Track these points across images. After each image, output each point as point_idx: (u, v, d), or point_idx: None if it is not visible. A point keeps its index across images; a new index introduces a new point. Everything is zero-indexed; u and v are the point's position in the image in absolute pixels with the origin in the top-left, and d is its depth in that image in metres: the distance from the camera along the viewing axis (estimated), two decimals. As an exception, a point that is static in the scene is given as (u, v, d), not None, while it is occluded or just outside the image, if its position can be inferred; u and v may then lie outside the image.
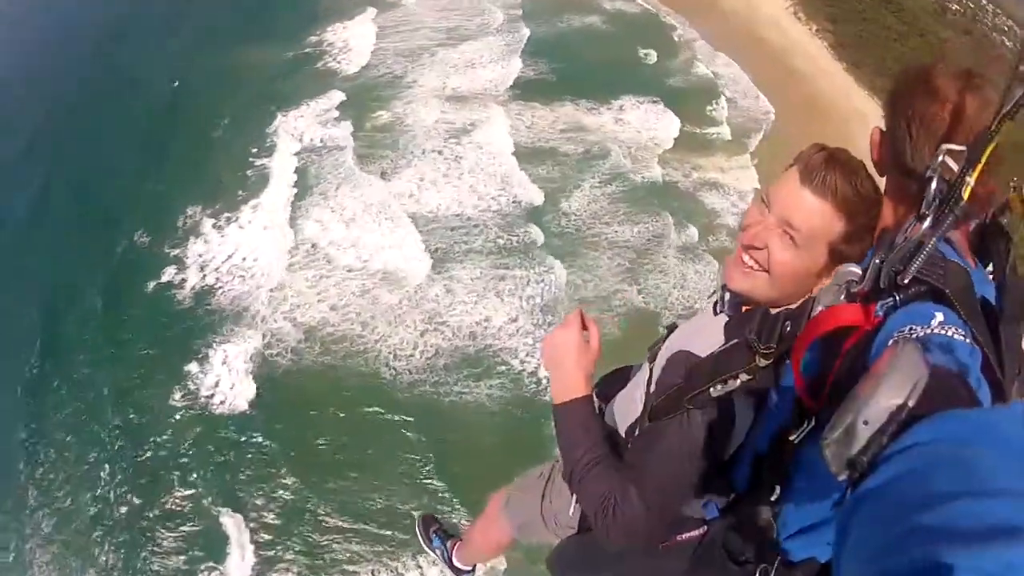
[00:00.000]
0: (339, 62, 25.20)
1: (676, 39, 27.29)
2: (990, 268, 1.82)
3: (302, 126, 22.22)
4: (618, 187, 20.99)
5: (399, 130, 22.15)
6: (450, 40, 26.34)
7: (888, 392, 1.01)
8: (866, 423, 1.00)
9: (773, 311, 1.96)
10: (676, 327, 2.46)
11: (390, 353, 16.60)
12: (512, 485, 3.43)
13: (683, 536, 2.19)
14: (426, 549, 4.25)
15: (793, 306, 2.02)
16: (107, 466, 14.63)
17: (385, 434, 14.99)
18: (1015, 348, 1.59)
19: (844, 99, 24.04)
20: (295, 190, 20.21)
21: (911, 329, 1.39)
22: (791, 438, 1.64)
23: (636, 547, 2.15)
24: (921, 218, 1.44)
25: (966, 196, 1.38)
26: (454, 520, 12.27)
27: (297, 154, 21.33)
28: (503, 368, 16.41)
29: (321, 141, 21.75)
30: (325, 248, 18.72)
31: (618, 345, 16.50)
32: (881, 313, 1.49)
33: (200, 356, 16.10)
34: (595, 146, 22.19)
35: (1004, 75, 1.31)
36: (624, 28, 27.53)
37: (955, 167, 1.44)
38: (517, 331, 17.06)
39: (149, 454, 14.75)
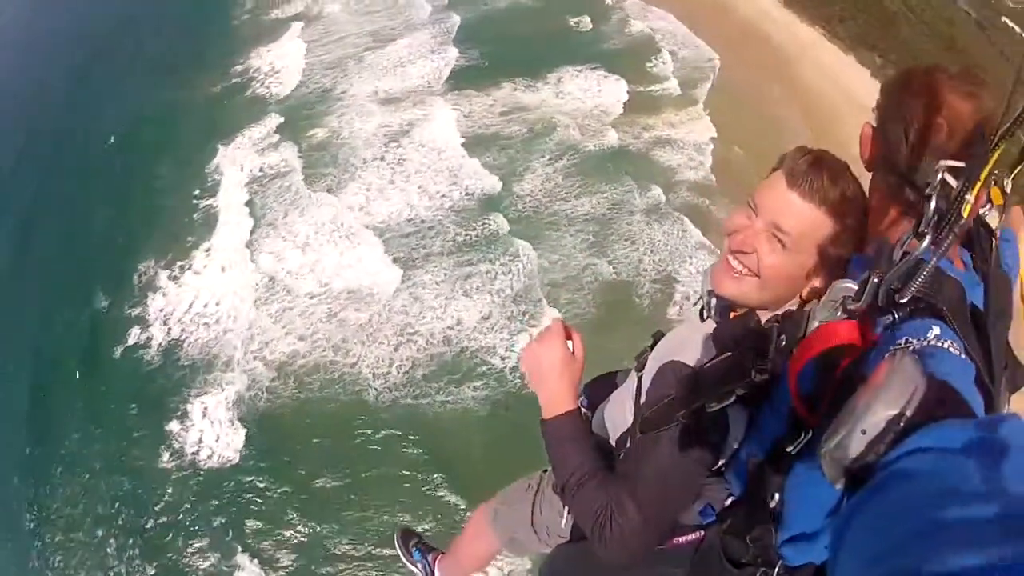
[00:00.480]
0: (269, 86, 24.46)
1: (607, 1, 26.75)
2: (972, 263, 1.81)
3: (242, 158, 21.50)
4: (570, 160, 20.42)
5: (338, 144, 21.43)
6: (377, 43, 25.60)
7: (886, 402, 1.02)
8: (864, 432, 1.01)
9: (765, 322, 1.97)
10: (663, 335, 2.41)
11: (368, 374, 16.03)
12: (498, 499, 3.34)
13: (680, 540, 2.19)
14: (407, 564, 4.16)
15: (781, 311, 2.02)
16: (113, 541, 14.34)
17: (377, 455, 14.65)
18: (1001, 345, 1.63)
19: (788, 35, 23.74)
20: (244, 225, 19.55)
21: (907, 341, 1.39)
22: (788, 449, 1.62)
23: (634, 560, 2.04)
24: (920, 235, 1.39)
25: (966, 214, 1.35)
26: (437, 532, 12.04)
27: (241, 187, 20.64)
28: (483, 368, 15.87)
29: (262, 170, 21.06)
30: (283, 279, 18.06)
31: (598, 324, 16.03)
32: (879, 331, 1.47)
33: (179, 413, 15.72)
34: (539, 124, 21.59)
35: (1004, 81, 1.34)
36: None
37: (954, 183, 1.40)
38: (491, 328, 16.49)
39: (152, 522, 14.45)
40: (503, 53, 24.03)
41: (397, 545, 4.23)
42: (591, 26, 25.42)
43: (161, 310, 17.83)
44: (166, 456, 15.14)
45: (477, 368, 15.88)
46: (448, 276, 17.56)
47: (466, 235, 18.47)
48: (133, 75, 25.02)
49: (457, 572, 3.95)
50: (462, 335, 16.43)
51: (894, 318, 1.46)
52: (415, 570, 4.09)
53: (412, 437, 14.83)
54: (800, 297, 2.05)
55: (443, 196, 19.50)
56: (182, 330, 17.36)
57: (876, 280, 1.47)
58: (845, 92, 22.50)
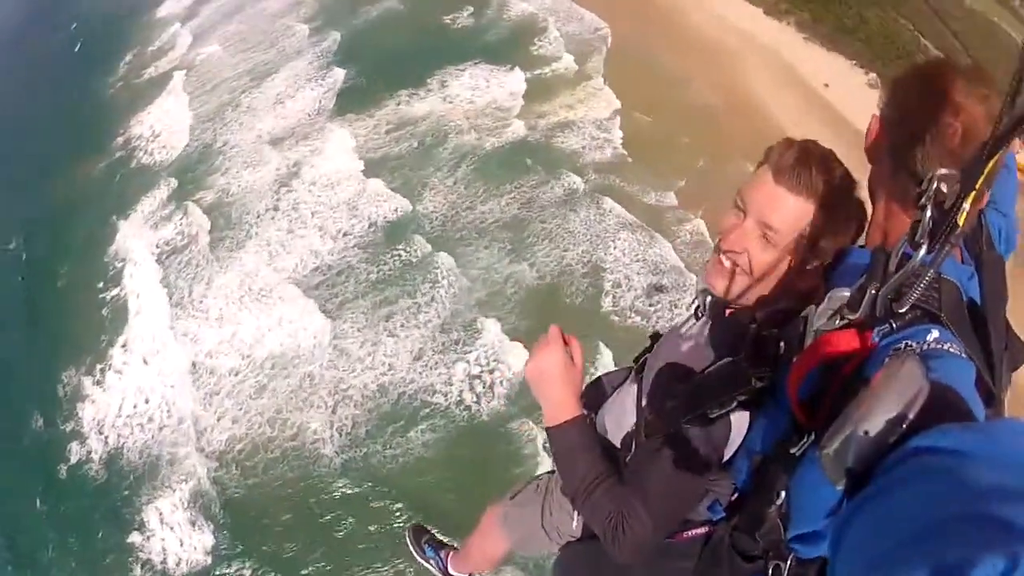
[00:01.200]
0: (152, 153, 23.13)
1: None
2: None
3: (138, 238, 20.27)
4: (470, 166, 19.28)
5: (229, 203, 20.14)
6: (253, 82, 24.25)
7: (889, 404, 1.02)
8: (866, 433, 1.01)
9: (762, 322, 1.91)
10: (660, 336, 2.44)
11: (311, 444, 15.04)
12: (507, 500, 3.31)
13: (688, 534, 2.18)
14: (419, 560, 4.19)
15: (779, 306, 1.98)
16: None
17: (342, 517, 14.04)
18: (1000, 331, 1.68)
19: None
20: (154, 311, 18.42)
21: (907, 345, 1.40)
22: (791, 451, 1.60)
23: (648, 557, 2.06)
24: (916, 245, 1.35)
25: (962, 223, 1.32)
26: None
27: (142, 271, 19.47)
28: (426, 410, 14.94)
29: (159, 247, 19.83)
30: (204, 362, 16.95)
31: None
32: (877, 339, 1.46)
33: (137, 524, 14.91)
34: (429, 135, 20.37)
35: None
36: (421, 0, 25.76)
37: (947, 190, 1.35)
38: (426, 366, 15.49)
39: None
40: (382, 67, 22.77)
41: (409, 543, 4.26)
42: (469, 20, 24.28)
43: (94, 419, 17.00)
44: (138, 571, 14.50)
45: (420, 412, 15.02)
46: (369, 320, 16.47)
47: (378, 271, 17.33)
48: (17, 178, 23.65)
49: (468, 568, 4.00)
50: (397, 380, 15.47)
51: (891, 327, 1.45)
52: (428, 566, 4.13)
53: (372, 497, 14.23)
54: (797, 288, 2.00)
55: (345, 234, 18.33)
56: (118, 436, 16.57)
57: (873, 292, 1.46)
58: (739, 34, 21.76)
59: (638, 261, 16.57)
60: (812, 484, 1.55)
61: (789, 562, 1.80)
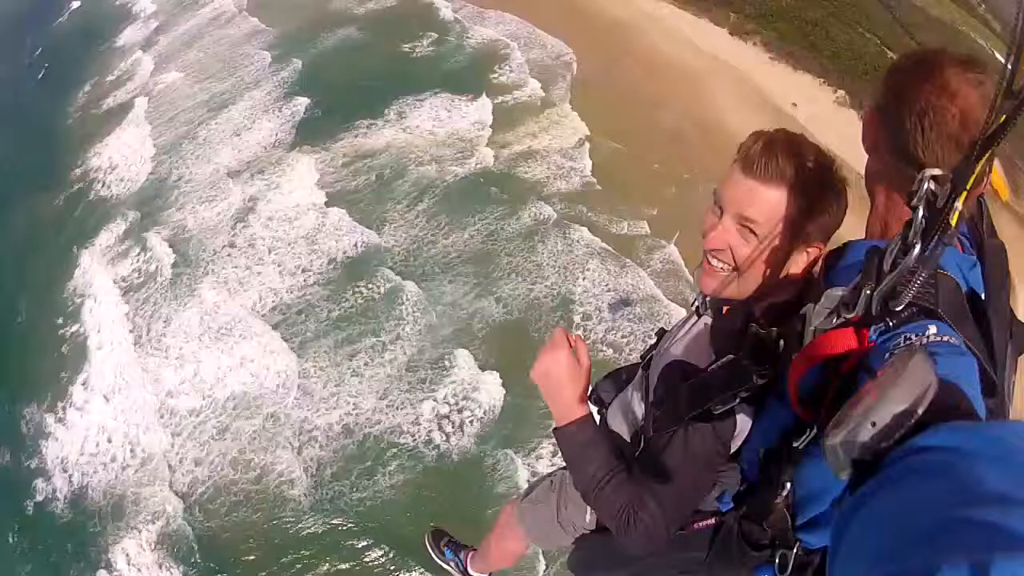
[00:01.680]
0: (110, 186, 22.56)
1: (441, 18, 25.27)
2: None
3: (96, 274, 19.71)
4: (431, 200, 18.96)
5: (186, 239, 19.66)
6: (211, 113, 23.76)
7: (898, 397, 1.02)
8: (874, 424, 1.00)
9: (761, 317, 1.99)
10: (664, 332, 2.50)
11: (275, 486, 14.60)
12: (522, 498, 3.38)
13: (698, 525, 2.23)
14: (438, 562, 4.26)
15: (777, 299, 2.05)
16: None
17: (311, 561, 13.69)
18: (1005, 319, 1.71)
19: (634, 10, 22.81)
20: (113, 349, 17.90)
21: (907, 339, 1.43)
22: (795, 444, 1.66)
23: (660, 548, 2.10)
24: (909, 244, 1.38)
25: (954, 222, 1.37)
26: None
27: (101, 307, 18.97)
28: (393, 451, 14.57)
29: (117, 284, 19.31)
30: (165, 401, 16.42)
31: (503, 372, 14.90)
32: (875, 337, 1.49)
33: (105, 564, 14.48)
34: (388, 168, 19.99)
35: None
36: (383, 27, 25.35)
37: (938, 190, 1.41)
38: (391, 406, 15.13)
39: None
40: (340, 97, 22.44)
41: (428, 546, 4.30)
42: (429, 49, 24.01)
43: (58, 456, 16.58)
44: (107, 615, 14.00)
45: (387, 452, 14.66)
46: (332, 359, 16.08)
47: (340, 309, 16.95)
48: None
49: (488, 567, 4.04)
50: (363, 420, 15.10)
51: (888, 325, 1.47)
52: (448, 568, 4.19)
53: (344, 543, 13.86)
54: (790, 276, 2.03)
55: (304, 271, 17.91)
56: (82, 475, 16.10)
57: (868, 292, 1.46)
58: (706, 56, 21.68)
59: (609, 291, 16.39)
60: (815, 475, 1.64)
61: (796, 551, 1.84)
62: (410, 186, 19.42)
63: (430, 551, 4.34)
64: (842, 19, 22.79)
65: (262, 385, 16.19)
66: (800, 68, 21.81)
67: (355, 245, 18.22)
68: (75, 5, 32.81)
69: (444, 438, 14.64)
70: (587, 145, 20.06)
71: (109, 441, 16.49)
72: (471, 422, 14.73)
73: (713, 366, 2.02)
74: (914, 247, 1.37)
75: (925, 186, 1.41)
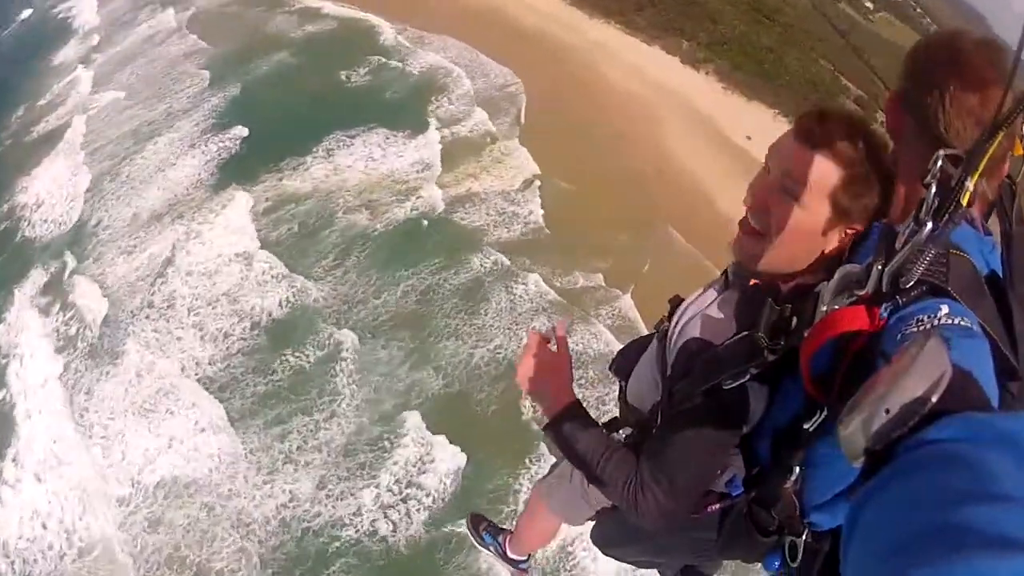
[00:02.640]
0: (34, 226, 21.06)
1: (382, 42, 23.53)
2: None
3: (20, 335, 18.34)
4: (361, 252, 17.40)
5: (106, 295, 18.14)
6: (137, 146, 21.99)
7: (913, 384, 1.01)
8: (887, 411, 1.00)
9: (781, 296, 1.92)
10: (680, 300, 2.34)
11: (216, 588, 13.72)
12: (547, 475, 3.35)
13: (713, 508, 2.18)
14: (478, 547, 4.31)
15: (801, 280, 1.99)
16: None
17: None
18: None
19: (581, 37, 21.62)
20: (38, 421, 16.66)
21: (919, 321, 1.39)
22: (805, 426, 1.64)
23: (672, 525, 2.08)
24: (920, 223, 1.36)
25: (965, 201, 1.34)
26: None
27: (26, 372, 17.62)
28: (336, 545, 13.36)
29: (42, 342, 18.02)
30: (95, 487, 15.30)
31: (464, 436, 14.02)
32: (886, 315, 1.45)
33: None
34: (314, 215, 18.32)
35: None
36: (321, 52, 23.57)
37: (951, 170, 1.38)
38: (330, 496, 13.87)
39: None
40: (269, 132, 20.62)
41: (468, 531, 4.38)
42: (366, 77, 22.22)
43: None
44: None
45: (329, 548, 13.41)
46: (262, 442, 14.65)
47: (267, 383, 15.43)
48: None
49: (526, 548, 4.08)
50: (299, 513, 13.80)
51: (898, 303, 1.44)
52: (488, 552, 4.25)
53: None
54: (821, 255, 1.95)
55: (226, 335, 16.38)
56: (24, 561, 15.06)
57: (879, 268, 1.46)
58: (658, 87, 20.42)
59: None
60: (826, 459, 1.66)
61: (804, 537, 1.84)
62: (338, 236, 17.81)
63: (471, 536, 4.39)
64: (795, 44, 22.46)
65: (194, 470, 14.89)
66: (754, 98, 21.39)
67: (280, 305, 16.71)
68: (24, 15, 31.31)
69: (391, 528, 13.49)
70: (536, 185, 18.73)
71: (44, 528, 15.31)
72: (418, 509, 13.53)
73: (728, 341, 1.93)
74: (925, 225, 1.35)
75: (938, 165, 1.40)
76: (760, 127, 19.76)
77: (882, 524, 0.85)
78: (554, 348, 2.40)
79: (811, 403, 1.63)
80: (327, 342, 15.93)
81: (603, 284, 16.52)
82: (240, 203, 19.07)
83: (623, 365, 2.72)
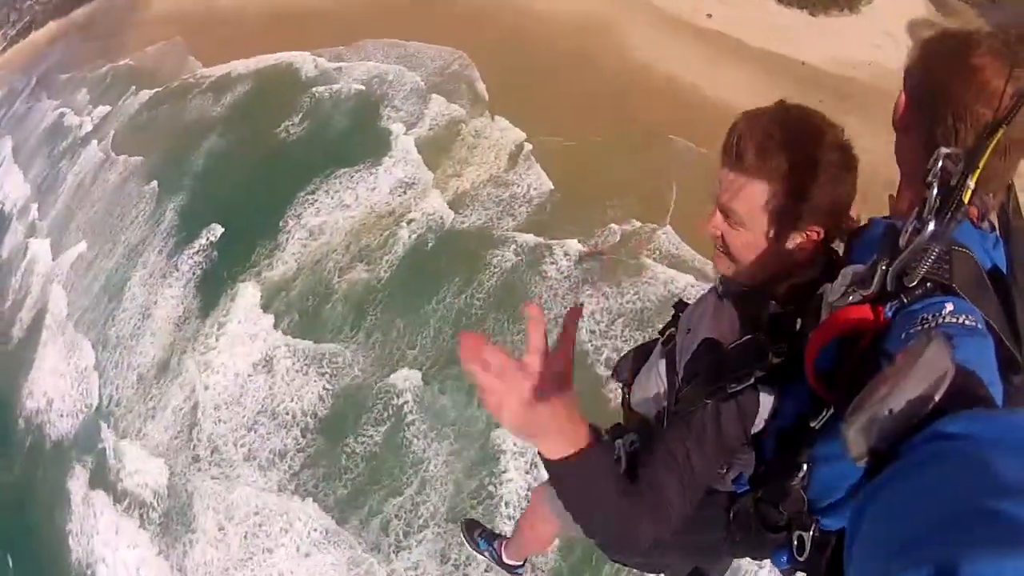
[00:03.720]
0: (55, 425, 19.72)
1: (304, 77, 21.92)
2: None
3: (93, 546, 16.76)
4: (376, 309, 15.72)
5: (150, 476, 16.88)
6: (113, 302, 20.73)
7: (915, 384, 1.03)
8: (890, 412, 1.02)
9: (783, 297, 1.99)
10: (685, 306, 2.49)
11: None
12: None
13: (715, 507, 2.21)
14: (474, 553, 4.31)
15: (800, 279, 2.03)
16: None
17: None
18: None
19: None
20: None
21: (923, 319, 1.43)
22: (811, 424, 1.69)
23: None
24: (923, 221, 1.42)
25: (967, 200, 1.40)
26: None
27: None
28: None
29: (107, 556, 16.57)
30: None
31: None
32: (890, 314, 1.51)
33: None
34: (309, 295, 16.76)
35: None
36: (247, 118, 21.90)
37: (952, 169, 1.44)
38: (455, 566, 12.47)
39: None
40: (229, 229, 19.09)
41: (463, 536, 4.43)
42: (301, 127, 20.51)
43: None
44: None
45: None
46: (369, 541, 13.35)
47: (343, 484, 14.05)
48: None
49: (523, 553, 4.04)
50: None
51: (903, 302, 1.49)
52: (484, 557, 4.23)
53: None
54: (797, 259, 2.01)
55: (282, 455, 14.95)
56: None
57: (884, 268, 1.50)
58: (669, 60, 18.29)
59: (619, 317, 13.63)
60: (832, 457, 1.68)
61: (812, 532, 1.86)
62: (344, 303, 16.19)
63: (466, 541, 4.36)
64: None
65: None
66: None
67: (320, 399, 15.19)
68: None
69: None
70: (528, 150, 17.06)
71: None
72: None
73: (733, 345, 1.95)
74: (928, 224, 1.39)
75: (939, 164, 1.42)
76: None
77: (885, 523, 0.84)
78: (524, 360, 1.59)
79: (817, 401, 1.66)
80: (384, 414, 14.39)
81: (638, 223, 14.87)
82: (235, 314, 17.59)
83: (626, 372, 2.72)
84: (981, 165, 1.35)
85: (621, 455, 2.22)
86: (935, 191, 1.39)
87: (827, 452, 1.68)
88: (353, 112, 20.10)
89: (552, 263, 14.87)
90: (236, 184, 20.20)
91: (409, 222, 16.82)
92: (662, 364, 2.35)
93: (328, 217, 17.86)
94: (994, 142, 1.33)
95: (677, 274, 13.92)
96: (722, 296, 2.19)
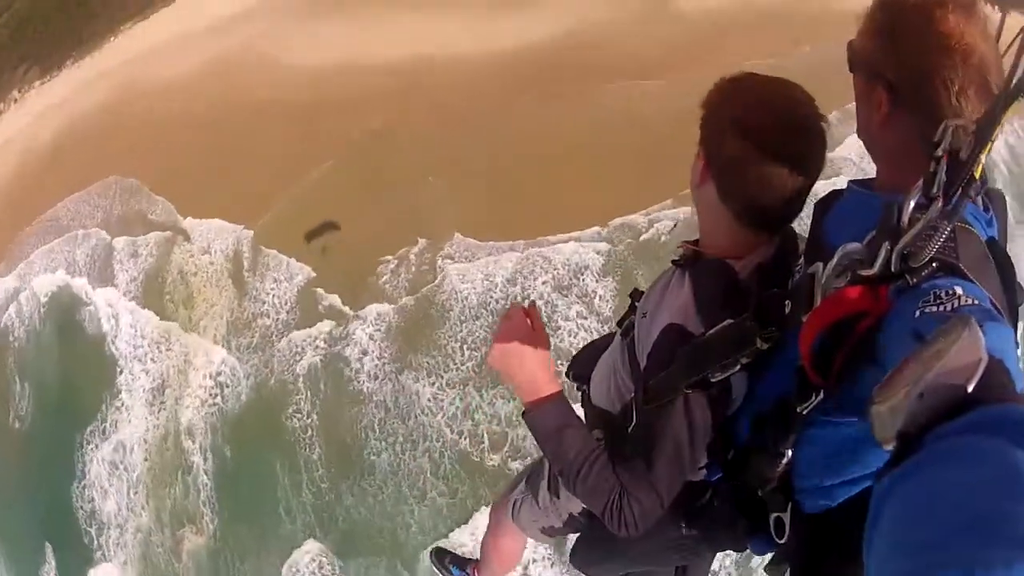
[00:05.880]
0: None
1: None
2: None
3: None
4: None
5: None
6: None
7: (949, 370, 0.98)
8: (921, 396, 0.97)
9: (751, 277, 1.98)
10: (641, 294, 2.36)
11: None
12: (509, 491, 3.18)
13: (690, 499, 2.17)
14: None
15: (766, 258, 2.03)
16: None
17: None
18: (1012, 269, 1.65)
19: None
20: None
21: (936, 298, 1.32)
22: (799, 409, 1.63)
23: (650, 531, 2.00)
24: (931, 198, 1.38)
25: (978, 175, 1.37)
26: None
27: None
28: None
29: None
30: None
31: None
32: (893, 296, 1.43)
33: None
34: None
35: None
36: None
37: (962, 141, 1.40)
38: None
39: None
40: None
41: (434, 564, 4.26)
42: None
43: None
44: None
45: None
46: None
47: None
48: None
49: (496, 574, 3.91)
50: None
51: (908, 282, 1.41)
52: None
53: None
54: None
55: None
56: None
57: (888, 246, 1.42)
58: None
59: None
60: (825, 440, 1.65)
61: (791, 514, 1.80)
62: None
63: (437, 570, 4.24)
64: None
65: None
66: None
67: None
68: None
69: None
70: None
71: None
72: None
73: (713, 330, 1.84)
74: (936, 200, 1.34)
75: (949, 137, 1.38)
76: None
77: (909, 516, 0.82)
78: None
79: (804, 386, 1.58)
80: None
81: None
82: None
83: (582, 370, 2.64)
84: (993, 139, 1.30)
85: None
86: (944, 166, 1.33)
87: (816, 436, 1.64)
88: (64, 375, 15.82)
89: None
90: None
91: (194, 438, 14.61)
92: (623, 356, 2.28)
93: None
94: (1007, 116, 1.26)
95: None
96: (684, 268, 2.09)
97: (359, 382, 14.19)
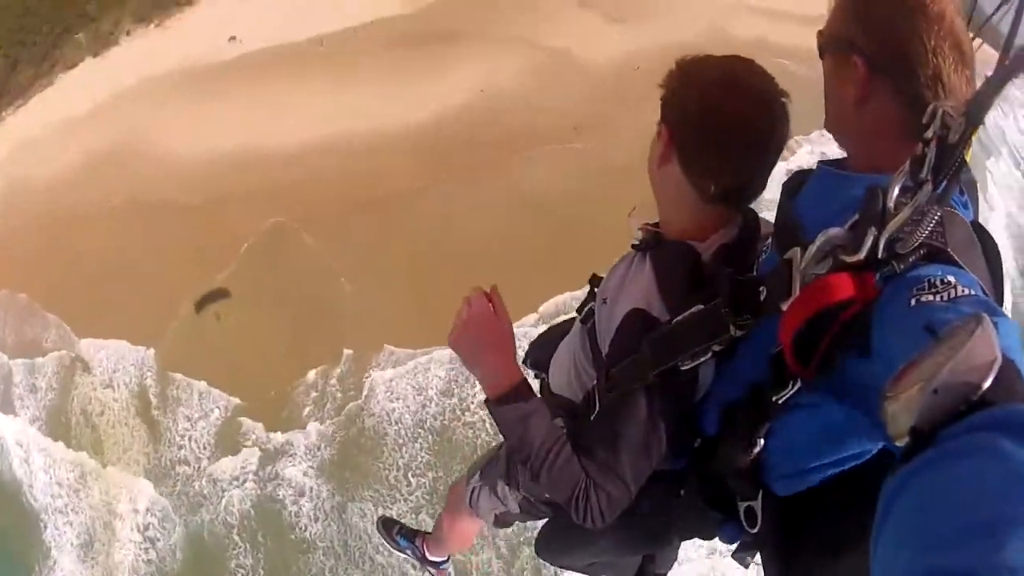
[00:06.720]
0: None
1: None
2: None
3: None
4: None
5: None
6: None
7: (964, 367, 0.95)
8: (935, 393, 0.95)
9: (711, 259, 1.92)
10: (600, 280, 2.28)
11: None
12: (470, 476, 3.05)
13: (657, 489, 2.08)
14: (394, 552, 4.14)
15: (729, 239, 1.98)
16: None
17: None
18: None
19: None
20: None
21: (932, 288, 1.27)
22: (775, 399, 1.56)
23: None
24: (919, 182, 1.29)
25: (968, 158, 1.33)
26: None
27: None
28: None
29: None
30: None
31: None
32: (881, 284, 1.36)
33: None
34: None
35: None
36: None
37: (952, 124, 1.31)
38: None
39: None
40: None
41: (381, 535, 4.25)
42: None
43: None
44: None
45: None
46: None
47: None
48: None
49: (446, 550, 3.91)
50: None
51: (895, 269, 1.35)
52: (405, 555, 4.10)
53: None
54: (700, 218, 1.94)
55: None
56: None
57: (875, 231, 1.34)
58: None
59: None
60: (799, 426, 1.57)
61: (761, 501, 1.74)
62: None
63: (384, 540, 4.18)
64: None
65: None
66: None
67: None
68: None
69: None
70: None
71: None
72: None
73: (682, 316, 1.77)
74: (925, 184, 1.29)
75: (938, 119, 1.31)
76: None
77: (919, 514, 0.82)
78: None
79: (781, 374, 1.53)
80: None
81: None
82: None
83: (540, 357, 2.59)
84: (984, 119, 1.28)
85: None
86: (934, 149, 1.28)
87: (794, 423, 1.55)
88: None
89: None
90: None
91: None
92: (583, 343, 2.20)
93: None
94: (997, 97, 1.22)
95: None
96: (644, 250, 2.02)
97: (301, 528, 12.98)
